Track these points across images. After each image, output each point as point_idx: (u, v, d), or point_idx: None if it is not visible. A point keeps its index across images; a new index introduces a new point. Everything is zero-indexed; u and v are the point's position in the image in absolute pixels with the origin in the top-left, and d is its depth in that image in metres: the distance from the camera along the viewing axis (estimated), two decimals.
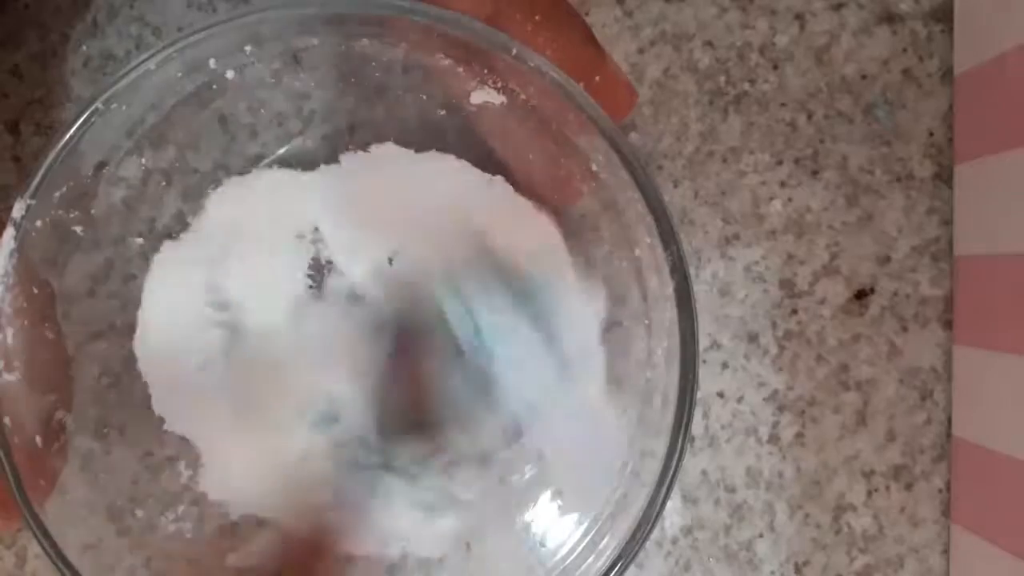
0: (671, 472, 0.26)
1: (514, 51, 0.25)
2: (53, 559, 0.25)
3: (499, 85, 0.28)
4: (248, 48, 0.27)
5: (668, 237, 0.26)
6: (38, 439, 0.27)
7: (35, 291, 0.27)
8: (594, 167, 0.28)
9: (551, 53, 0.25)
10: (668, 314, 0.27)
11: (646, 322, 0.29)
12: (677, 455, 0.26)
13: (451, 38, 0.26)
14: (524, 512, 0.32)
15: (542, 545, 0.31)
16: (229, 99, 0.30)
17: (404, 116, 0.32)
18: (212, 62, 0.28)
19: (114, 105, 0.26)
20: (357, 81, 0.31)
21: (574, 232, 0.31)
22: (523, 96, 0.28)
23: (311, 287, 0.32)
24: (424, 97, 0.31)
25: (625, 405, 0.31)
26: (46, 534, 0.25)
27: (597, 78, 0.26)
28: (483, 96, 0.29)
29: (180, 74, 0.27)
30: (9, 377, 0.25)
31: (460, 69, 0.28)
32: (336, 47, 0.29)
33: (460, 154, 0.32)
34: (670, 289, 0.26)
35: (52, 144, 0.26)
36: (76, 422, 0.29)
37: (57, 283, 0.28)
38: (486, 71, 0.28)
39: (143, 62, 0.26)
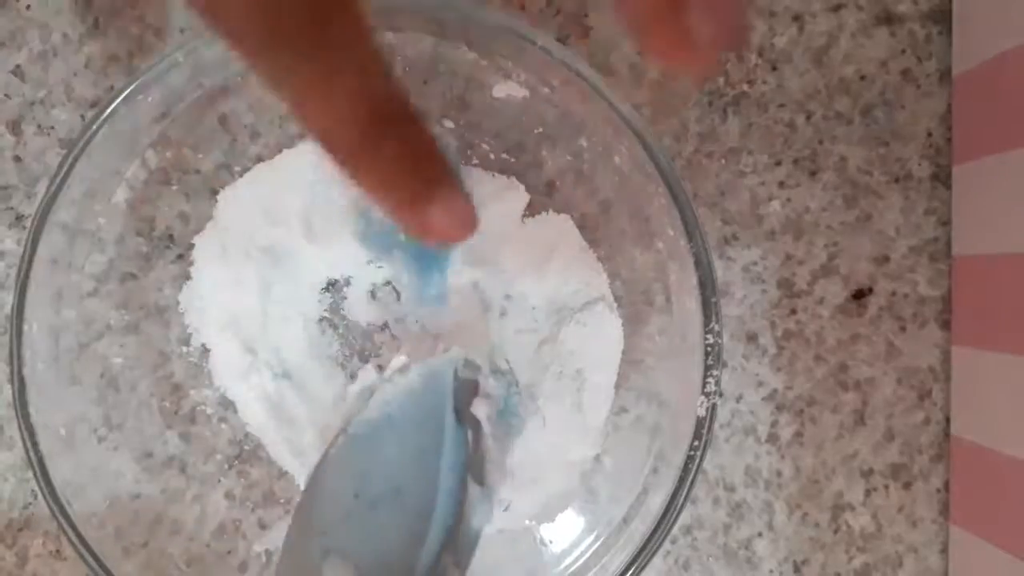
0: (690, 477, 0.26)
1: (539, 43, 0.25)
2: (83, 555, 0.26)
3: (522, 78, 0.28)
4: None
5: (692, 229, 0.26)
6: None
7: None
8: (616, 160, 0.28)
9: None
10: (690, 306, 0.26)
11: (669, 321, 0.29)
12: (697, 461, 0.26)
13: (476, 31, 0.26)
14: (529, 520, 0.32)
15: (543, 545, 0.31)
16: (231, 100, 0.30)
17: None
18: (218, 64, 0.28)
19: (122, 110, 0.26)
20: None
21: (594, 227, 0.32)
22: (546, 90, 0.28)
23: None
24: (429, 95, 0.31)
25: (642, 409, 0.31)
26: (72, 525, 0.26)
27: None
28: (506, 89, 0.29)
29: (187, 76, 0.27)
30: None
31: (484, 62, 0.28)
32: None
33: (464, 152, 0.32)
34: (693, 282, 0.26)
35: (70, 150, 0.26)
36: (76, 422, 0.29)
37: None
38: (511, 64, 0.28)
39: (154, 67, 0.26)
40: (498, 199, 0.31)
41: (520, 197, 0.32)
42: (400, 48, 0.29)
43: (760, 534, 0.34)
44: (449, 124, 0.32)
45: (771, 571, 0.34)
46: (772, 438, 0.34)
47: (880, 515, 0.34)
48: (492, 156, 0.32)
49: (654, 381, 0.30)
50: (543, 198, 0.32)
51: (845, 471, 0.34)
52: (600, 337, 0.31)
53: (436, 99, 0.31)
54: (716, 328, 0.26)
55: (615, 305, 0.31)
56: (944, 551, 0.34)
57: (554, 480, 0.31)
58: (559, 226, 0.31)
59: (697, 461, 0.26)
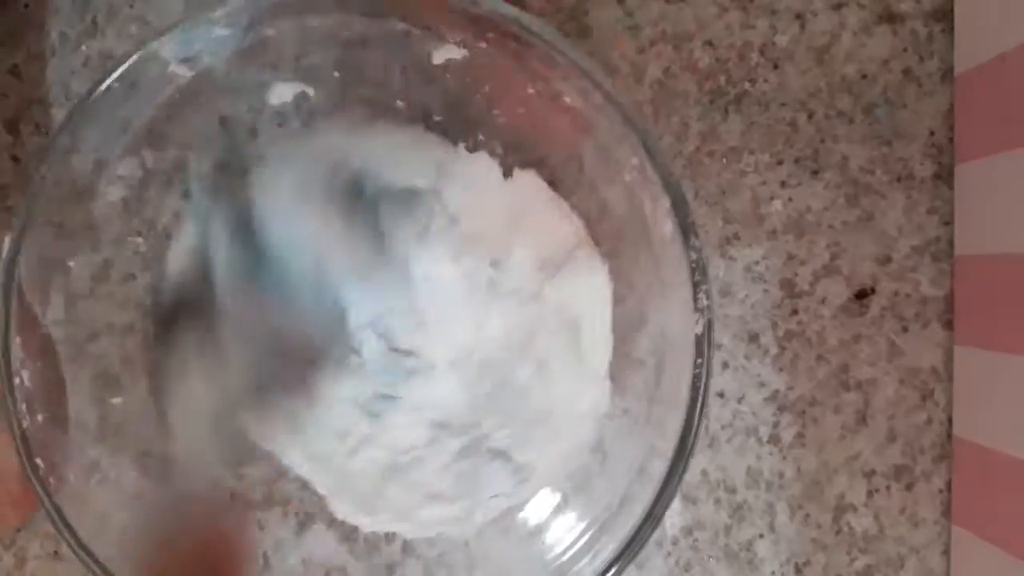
0: (679, 470, 0.26)
1: None
2: (78, 553, 0.26)
3: (459, 40, 0.28)
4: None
5: (654, 152, 0.25)
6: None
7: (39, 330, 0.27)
8: (567, 100, 0.28)
9: None
10: (667, 230, 0.26)
11: (650, 252, 0.28)
12: (687, 453, 0.26)
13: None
14: (523, 507, 0.32)
15: (539, 539, 0.31)
16: (231, 99, 0.30)
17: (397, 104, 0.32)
18: (202, 59, 0.27)
19: (106, 100, 0.26)
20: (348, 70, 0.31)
21: (561, 175, 0.31)
22: (483, 45, 0.28)
23: None
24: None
25: (631, 404, 0.30)
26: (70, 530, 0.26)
27: None
28: (444, 54, 0.29)
29: (173, 69, 0.27)
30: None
31: (417, 31, 0.28)
32: (296, 31, 0.28)
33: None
34: (667, 206, 0.25)
35: (48, 146, 0.26)
36: (76, 422, 0.29)
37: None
38: (443, 27, 0.27)
39: (129, 57, 0.26)
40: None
41: (488, 166, 0.31)
42: (333, 33, 0.29)
43: (761, 535, 0.34)
44: (400, 104, 0.31)
45: (772, 573, 0.34)
46: (774, 439, 0.34)
47: (882, 516, 0.34)
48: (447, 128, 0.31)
49: (648, 316, 0.30)
50: (509, 157, 0.31)
51: (847, 472, 0.34)
52: (587, 283, 0.31)
53: (380, 72, 0.31)
54: (696, 244, 0.25)
55: (596, 249, 0.31)
56: (946, 552, 0.34)
57: (569, 435, 0.31)
58: (528, 182, 0.31)
59: (704, 379, 0.26)
